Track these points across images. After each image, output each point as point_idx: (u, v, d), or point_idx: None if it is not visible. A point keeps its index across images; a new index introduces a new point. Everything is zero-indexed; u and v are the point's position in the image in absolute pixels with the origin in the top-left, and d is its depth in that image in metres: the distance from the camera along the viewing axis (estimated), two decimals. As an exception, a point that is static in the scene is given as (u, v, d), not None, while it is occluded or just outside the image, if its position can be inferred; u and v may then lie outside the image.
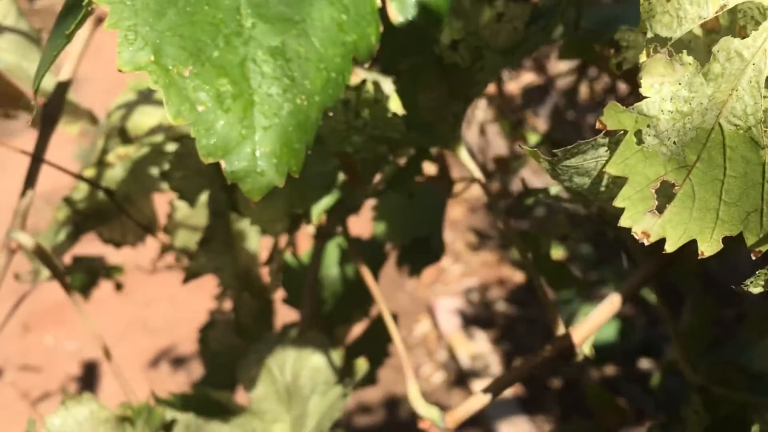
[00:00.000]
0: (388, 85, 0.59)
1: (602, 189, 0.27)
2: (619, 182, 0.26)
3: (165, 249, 0.73)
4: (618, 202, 0.25)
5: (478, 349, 2.81)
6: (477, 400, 0.41)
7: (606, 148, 0.26)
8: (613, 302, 0.39)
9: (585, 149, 0.26)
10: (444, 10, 0.35)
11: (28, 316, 2.90)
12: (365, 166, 0.43)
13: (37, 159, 0.52)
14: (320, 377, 0.56)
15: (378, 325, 0.80)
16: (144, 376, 2.72)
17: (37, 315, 2.92)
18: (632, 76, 0.31)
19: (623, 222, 0.25)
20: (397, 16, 0.34)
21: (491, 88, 0.96)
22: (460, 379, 2.61)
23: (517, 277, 3.14)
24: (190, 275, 0.50)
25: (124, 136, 0.65)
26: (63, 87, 0.53)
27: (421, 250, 0.66)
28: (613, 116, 0.25)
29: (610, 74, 0.45)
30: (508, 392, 2.66)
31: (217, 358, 0.85)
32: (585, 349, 0.38)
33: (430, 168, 0.69)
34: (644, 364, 2.66)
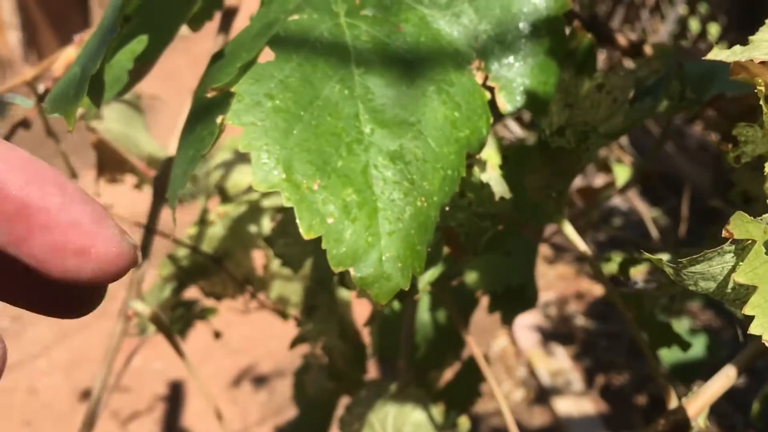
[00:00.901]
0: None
1: (728, 291, 0.27)
2: (746, 286, 0.26)
3: (258, 300, 0.76)
4: (748, 311, 0.25)
5: (559, 365, 2.77)
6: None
7: (732, 254, 0.26)
8: (728, 375, 0.38)
9: (711, 257, 0.26)
10: (551, 96, 0.36)
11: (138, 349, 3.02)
12: (468, 238, 0.44)
13: (150, 230, 0.55)
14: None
15: (469, 367, 0.81)
16: (227, 395, 2.79)
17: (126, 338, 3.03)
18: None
19: (753, 330, 0.26)
20: (506, 106, 0.35)
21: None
22: (541, 396, 2.58)
23: (596, 290, 3.08)
24: (297, 341, 0.52)
25: (223, 194, 0.68)
26: (172, 162, 0.56)
27: (514, 297, 0.66)
28: (740, 226, 0.25)
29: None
30: (592, 409, 2.61)
31: (310, 400, 0.87)
32: (700, 422, 0.38)
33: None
34: (736, 381, 2.57)
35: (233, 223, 0.68)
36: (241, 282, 0.69)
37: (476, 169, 0.37)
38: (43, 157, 0.24)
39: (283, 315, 0.73)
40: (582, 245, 0.40)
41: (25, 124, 0.60)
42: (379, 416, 0.59)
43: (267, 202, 0.69)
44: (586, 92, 0.44)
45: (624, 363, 2.81)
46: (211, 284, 0.71)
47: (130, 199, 0.85)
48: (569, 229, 0.40)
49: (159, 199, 0.56)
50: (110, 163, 0.66)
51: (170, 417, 2.73)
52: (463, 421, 0.54)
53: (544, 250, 3.33)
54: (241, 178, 0.68)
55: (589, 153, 0.37)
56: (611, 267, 2.96)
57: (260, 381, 2.89)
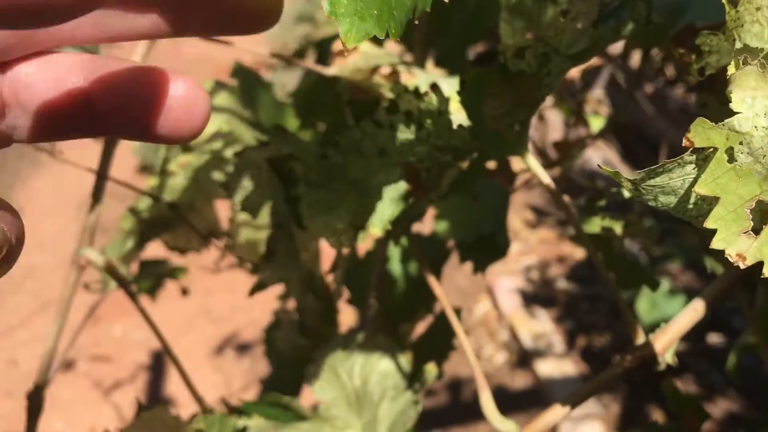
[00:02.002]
0: (445, 85, 0.57)
1: (690, 207, 0.26)
2: (708, 199, 0.25)
3: (227, 250, 0.74)
4: (710, 224, 0.24)
5: (540, 328, 2.78)
6: (554, 412, 0.40)
7: (694, 166, 0.24)
8: (696, 309, 0.37)
9: (671, 168, 0.25)
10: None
11: (97, 309, 3.00)
12: (429, 175, 0.42)
13: (102, 176, 0.53)
14: (389, 382, 0.56)
15: (442, 320, 0.79)
16: (210, 364, 2.78)
17: (104, 306, 3.01)
18: (715, 82, 0.29)
19: (716, 244, 0.24)
20: None
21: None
22: (523, 359, 2.59)
23: (578, 253, 3.09)
24: (257, 288, 0.50)
25: (185, 144, 0.66)
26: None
27: (486, 246, 0.65)
28: (701, 133, 0.24)
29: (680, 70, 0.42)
30: (573, 370, 2.63)
31: (283, 357, 0.86)
32: (668, 357, 0.37)
33: (489, 162, 0.67)
34: (713, 338, 2.59)
35: (196, 174, 0.65)
36: (206, 234, 0.67)
37: (433, 96, 0.35)
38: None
39: (255, 269, 0.72)
40: (546, 178, 0.38)
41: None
42: (346, 366, 0.58)
43: (230, 151, 0.67)
44: (550, 19, 0.42)
45: (605, 325, 2.83)
46: (175, 237, 0.69)
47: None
48: (532, 162, 0.38)
49: (110, 143, 0.53)
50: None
51: (153, 386, 2.72)
52: (431, 368, 0.53)
53: (526, 214, 3.33)
54: (202, 127, 0.65)
55: (551, 77, 0.36)
56: (591, 230, 2.97)
57: (243, 348, 2.89)
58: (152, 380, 2.72)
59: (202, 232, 0.65)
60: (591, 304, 2.96)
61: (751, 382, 2.31)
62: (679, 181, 0.25)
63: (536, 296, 2.97)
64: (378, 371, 0.57)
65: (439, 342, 0.79)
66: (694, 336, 2.63)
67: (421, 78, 0.58)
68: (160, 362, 2.84)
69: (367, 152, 0.41)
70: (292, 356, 0.84)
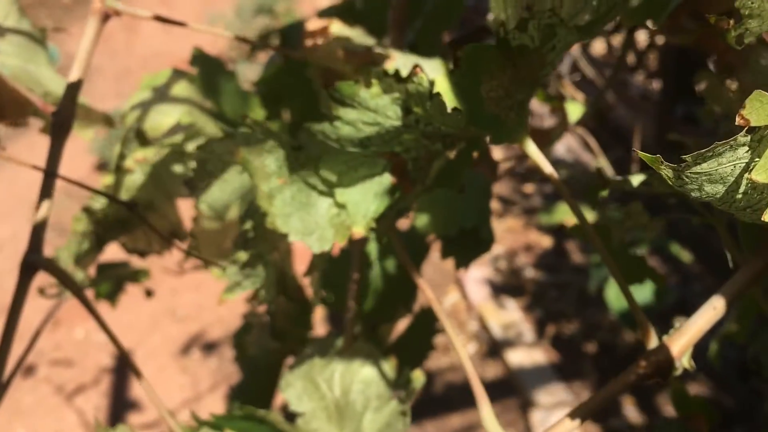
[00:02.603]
0: (427, 68, 0.53)
1: (738, 197, 0.22)
2: (760, 188, 0.21)
3: (190, 252, 0.69)
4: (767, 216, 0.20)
5: (510, 317, 2.78)
6: (563, 426, 0.36)
7: (747, 149, 0.21)
8: (715, 307, 0.33)
9: (721, 151, 0.21)
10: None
11: (57, 311, 2.90)
12: (416, 165, 0.38)
13: (50, 174, 0.47)
14: (372, 391, 0.52)
15: (422, 319, 0.76)
16: (177, 364, 2.71)
17: (65, 309, 2.92)
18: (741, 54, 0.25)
19: (774, 240, 0.20)
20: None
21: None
22: (494, 349, 2.58)
23: (544, 241, 3.09)
24: (227, 293, 0.45)
25: (142, 138, 0.60)
26: (73, 90, 0.48)
27: (469, 241, 0.61)
28: (758, 109, 0.20)
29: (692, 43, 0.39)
30: (543, 359, 2.63)
31: (254, 362, 0.81)
32: (685, 362, 0.33)
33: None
34: (680, 323, 2.61)
35: (154, 170, 0.60)
36: (168, 235, 0.62)
37: (422, 76, 0.31)
38: None
39: (221, 269, 0.67)
40: (548, 167, 0.35)
41: None
42: (325, 375, 0.54)
43: (192, 145, 0.62)
44: (546, -9, 0.38)
45: (573, 312, 2.83)
46: (134, 239, 0.63)
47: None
48: (532, 149, 0.34)
49: (58, 138, 0.48)
50: (10, 104, 0.58)
51: (117, 389, 2.65)
52: (418, 375, 0.49)
53: (492, 204, 3.32)
54: (161, 119, 0.60)
55: (555, 53, 0.32)
56: (556, 218, 2.95)
57: (210, 348, 2.83)
58: (116, 383, 2.65)
59: (163, 233, 0.60)
60: (559, 291, 2.97)
61: (720, 367, 2.34)
62: (729, 167, 0.21)
63: (505, 286, 2.96)
64: (360, 379, 0.53)
65: (419, 342, 0.76)
66: (660, 321, 2.65)
67: (399, 60, 0.54)
68: (124, 365, 2.76)
69: (346, 143, 0.36)
70: (264, 361, 0.79)
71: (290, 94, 0.70)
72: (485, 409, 0.38)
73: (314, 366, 0.55)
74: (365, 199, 0.39)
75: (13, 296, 0.48)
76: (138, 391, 2.63)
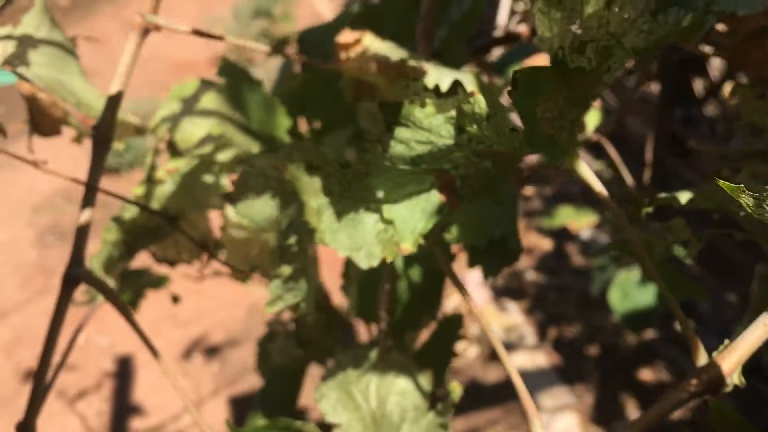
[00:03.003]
0: (464, 80, 0.54)
1: (814, 223, 0.22)
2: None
3: (219, 260, 0.69)
4: None
5: (511, 320, 2.79)
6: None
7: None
8: (765, 323, 0.34)
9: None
10: None
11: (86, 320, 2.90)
12: (465, 182, 0.39)
13: (91, 188, 0.48)
14: (409, 403, 0.52)
15: (446, 327, 0.76)
16: (179, 368, 2.71)
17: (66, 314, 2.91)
18: None
19: None
20: None
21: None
22: (495, 352, 2.58)
23: (545, 244, 3.10)
24: (270, 306, 0.46)
25: (172, 149, 0.61)
26: (114, 104, 0.48)
27: (497, 251, 0.61)
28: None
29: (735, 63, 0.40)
30: (545, 362, 2.64)
31: (276, 369, 0.81)
32: (735, 378, 0.34)
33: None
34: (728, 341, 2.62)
35: (185, 180, 0.61)
36: (197, 244, 0.62)
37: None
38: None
39: (243, 280, 0.67)
40: (599, 186, 0.35)
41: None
42: (360, 387, 0.54)
43: (223, 156, 0.62)
44: (593, 9, 0.39)
45: (575, 315, 2.84)
46: (163, 248, 0.64)
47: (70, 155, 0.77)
48: (584, 168, 0.35)
49: (100, 152, 0.48)
50: (44, 115, 0.58)
51: (119, 393, 2.64)
52: (455, 387, 0.50)
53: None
54: (192, 130, 0.60)
55: (610, 73, 0.32)
56: (558, 221, 2.96)
57: (212, 351, 2.83)
58: (118, 388, 2.64)
59: (194, 242, 0.60)
60: (560, 294, 2.98)
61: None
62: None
63: (506, 289, 2.97)
64: (396, 391, 0.53)
65: (443, 349, 0.76)
66: (662, 323, 2.65)
67: (433, 73, 0.54)
68: (125, 369, 2.75)
69: (398, 161, 0.37)
70: (287, 368, 0.80)
71: (316, 104, 0.70)
72: (536, 425, 0.38)
73: (348, 377, 0.55)
74: (413, 216, 0.40)
75: (55, 306, 0.49)
76: (140, 396, 2.63)
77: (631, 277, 2.47)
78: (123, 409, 2.58)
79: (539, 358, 2.59)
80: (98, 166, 0.48)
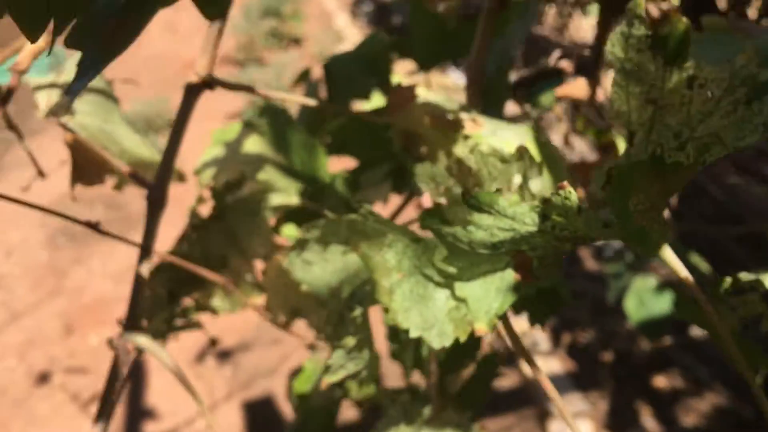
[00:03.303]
0: (511, 134, 0.52)
1: None
2: None
3: (260, 309, 0.68)
4: None
5: (525, 326, 2.77)
6: None
7: None
8: None
9: None
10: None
11: (69, 318, 2.90)
12: (542, 263, 0.38)
13: (146, 249, 0.47)
14: (466, 464, 0.52)
15: (484, 366, 0.75)
16: (192, 372, 2.70)
17: (78, 316, 2.91)
18: None
19: None
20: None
21: (583, 94, 0.89)
22: (509, 359, 2.57)
23: (558, 248, 3.09)
24: (325, 375, 0.45)
25: (216, 195, 0.60)
26: (168, 166, 0.48)
27: (546, 299, 0.61)
28: None
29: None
30: (560, 368, 2.63)
31: (310, 404, 0.81)
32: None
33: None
34: (696, 331, 2.61)
35: (230, 227, 0.60)
36: (238, 291, 0.61)
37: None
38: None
39: (284, 327, 0.66)
40: (684, 272, 0.34)
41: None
42: (414, 444, 0.53)
43: (268, 201, 0.61)
44: (675, 86, 0.37)
45: (589, 321, 2.83)
46: (206, 296, 0.63)
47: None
48: (671, 256, 0.34)
49: (154, 214, 0.47)
50: (87, 164, 0.57)
51: (133, 397, 2.64)
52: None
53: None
54: (236, 175, 0.59)
55: (704, 165, 0.31)
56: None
57: (224, 356, 2.82)
58: (132, 391, 2.64)
59: (234, 289, 0.60)
60: (574, 300, 2.97)
61: (738, 374, 2.34)
62: None
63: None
64: (451, 451, 0.53)
65: (481, 388, 0.75)
66: (676, 329, 2.64)
67: (487, 127, 0.53)
68: (138, 372, 2.75)
69: (478, 246, 0.36)
70: (321, 405, 0.79)
71: (354, 144, 0.70)
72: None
73: (400, 433, 0.54)
74: (487, 295, 0.39)
75: (113, 366, 0.48)
76: (153, 399, 2.63)
77: (647, 285, 2.45)
78: (136, 412, 2.58)
79: (553, 364, 2.59)
80: (153, 228, 0.47)
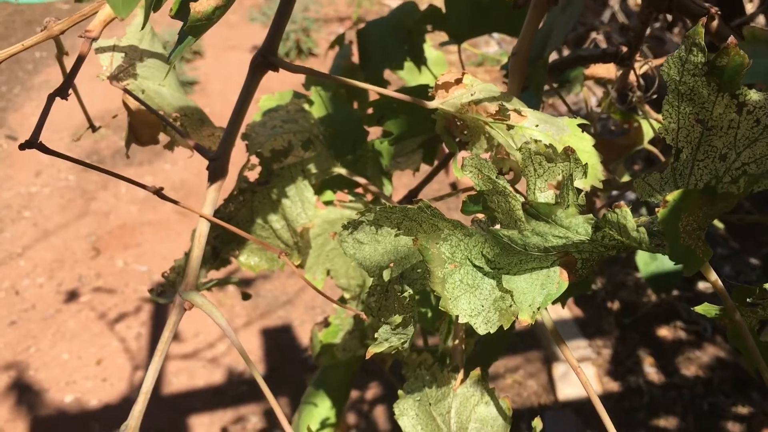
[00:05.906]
0: (554, 129, 0.54)
1: None
2: None
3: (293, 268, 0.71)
4: None
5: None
6: None
7: None
8: None
9: None
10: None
11: (96, 240, 2.96)
12: (585, 264, 0.40)
13: (205, 218, 0.50)
14: (490, 431, 0.55)
15: (490, 341, 0.79)
16: (213, 299, 2.78)
17: (105, 239, 2.98)
18: None
19: None
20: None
21: (611, 75, 0.90)
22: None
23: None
24: (374, 352, 0.48)
25: (262, 161, 0.62)
26: (230, 138, 0.50)
27: (575, 286, 0.63)
28: None
29: None
30: (567, 314, 2.67)
31: (335, 362, 0.85)
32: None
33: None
34: (702, 285, 2.64)
35: (276, 193, 0.62)
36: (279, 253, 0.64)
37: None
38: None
39: (317, 287, 0.70)
40: (721, 285, 0.37)
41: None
42: (440, 409, 0.57)
43: (311, 168, 0.63)
44: (724, 110, 0.39)
45: (598, 270, 2.86)
46: (247, 254, 0.66)
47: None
48: (712, 273, 0.36)
49: (215, 182, 0.50)
50: (144, 126, 0.59)
51: (157, 319, 2.73)
52: (537, 423, 0.52)
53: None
54: (281, 143, 0.62)
55: (751, 192, 0.34)
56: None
57: (245, 284, 2.89)
58: (156, 313, 2.72)
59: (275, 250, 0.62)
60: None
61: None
62: None
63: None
64: (477, 418, 0.56)
65: (496, 349, 0.79)
66: (684, 284, 2.68)
67: (531, 118, 0.55)
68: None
69: (532, 249, 0.39)
70: (345, 360, 0.83)
71: (391, 118, 0.72)
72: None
73: (428, 396, 0.58)
74: (532, 289, 0.41)
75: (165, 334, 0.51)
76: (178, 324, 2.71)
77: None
78: (160, 333, 2.66)
79: (561, 310, 2.64)
80: (214, 199, 0.49)
